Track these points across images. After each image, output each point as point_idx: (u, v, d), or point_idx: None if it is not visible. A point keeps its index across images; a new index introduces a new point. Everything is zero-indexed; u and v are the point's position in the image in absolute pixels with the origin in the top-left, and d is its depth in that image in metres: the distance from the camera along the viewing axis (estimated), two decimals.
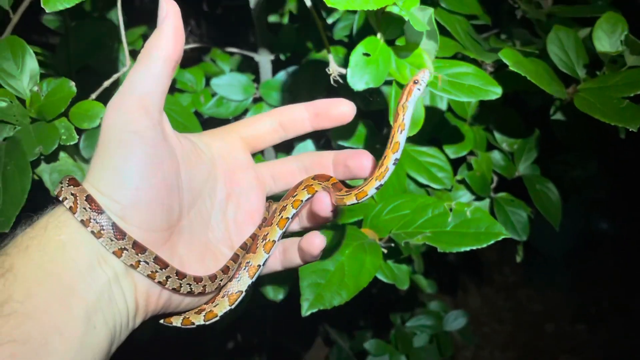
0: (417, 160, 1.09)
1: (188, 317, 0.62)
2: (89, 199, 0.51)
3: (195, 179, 0.59)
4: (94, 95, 0.72)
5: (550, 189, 1.11)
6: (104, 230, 0.50)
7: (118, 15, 0.76)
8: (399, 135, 0.60)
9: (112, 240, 0.51)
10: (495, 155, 1.15)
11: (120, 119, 0.53)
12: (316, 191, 0.62)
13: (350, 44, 1.21)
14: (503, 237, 0.76)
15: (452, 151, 1.09)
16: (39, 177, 0.75)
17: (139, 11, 1.31)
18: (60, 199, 0.52)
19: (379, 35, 0.80)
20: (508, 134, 1.15)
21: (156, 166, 0.53)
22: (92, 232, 0.50)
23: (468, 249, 0.75)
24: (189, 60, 1.34)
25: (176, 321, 0.62)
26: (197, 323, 0.62)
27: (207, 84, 1.27)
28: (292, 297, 1.05)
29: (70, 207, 0.51)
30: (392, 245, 0.85)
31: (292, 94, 1.20)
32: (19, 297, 0.45)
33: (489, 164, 1.11)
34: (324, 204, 0.60)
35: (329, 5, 0.66)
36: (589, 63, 0.97)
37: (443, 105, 1.12)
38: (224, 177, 0.63)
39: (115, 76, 0.72)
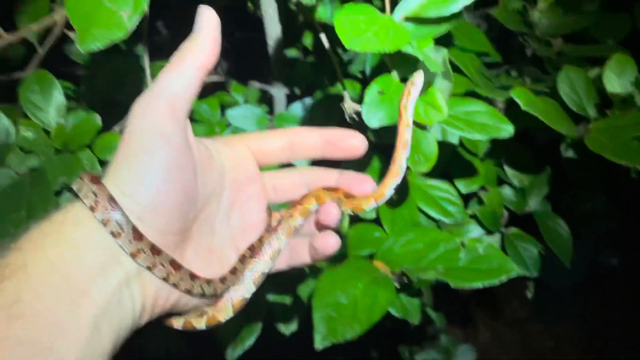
0: (428, 193, 1.10)
1: (190, 321, 0.62)
2: (111, 199, 0.50)
3: (206, 185, 0.59)
4: (117, 128, 0.74)
5: (561, 225, 1.11)
6: (123, 231, 0.50)
7: (142, 50, 0.79)
8: (407, 134, 0.64)
9: (130, 242, 0.50)
10: (506, 190, 1.16)
11: (148, 120, 0.53)
12: (325, 201, 0.63)
13: (363, 79, 1.24)
14: (515, 274, 0.77)
15: (463, 185, 1.10)
16: None
17: (161, 45, 1.35)
18: (81, 196, 0.51)
19: (393, 73, 0.82)
20: (519, 170, 1.16)
21: (179, 171, 0.54)
22: (112, 232, 0.50)
23: (480, 285, 0.76)
24: (202, 90, 1.37)
25: (177, 324, 0.62)
26: (198, 327, 0.62)
27: (222, 114, 1.30)
28: (302, 327, 1.05)
29: (91, 206, 0.50)
30: (405, 279, 0.86)
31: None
32: (29, 297, 0.44)
33: (499, 199, 1.12)
34: (331, 215, 0.61)
35: (347, 47, 0.68)
36: (600, 102, 0.99)
37: (455, 140, 1.13)
38: (230, 185, 0.63)
39: None
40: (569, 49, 1.22)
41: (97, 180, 0.51)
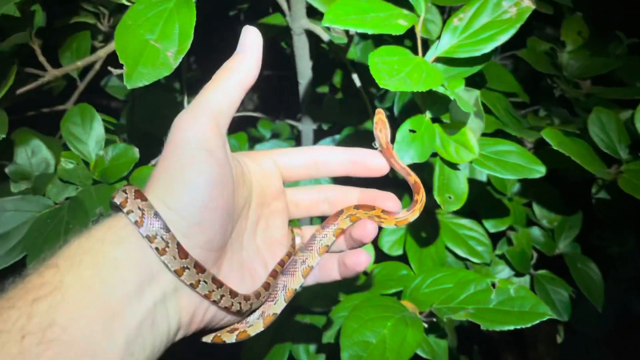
0: (455, 232, 1.10)
1: (219, 336, 0.61)
2: (157, 214, 0.49)
3: (239, 201, 0.59)
4: (153, 162, 0.76)
5: (592, 268, 1.09)
6: (168, 247, 0.49)
7: (179, 85, 0.82)
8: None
9: (175, 259, 0.49)
10: (535, 231, 1.15)
11: (193, 134, 0.52)
12: (359, 219, 0.63)
13: (391, 116, 1.25)
14: (548, 317, 0.75)
15: (491, 225, 1.10)
16: None
17: (193, 80, 1.39)
18: (125, 211, 0.50)
19: (426, 113, 0.83)
20: (548, 210, 1.15)
21: (223, 186, 0.53)
22: (157, 248, 0.49)
23: (512, 327, 0.74)
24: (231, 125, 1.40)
25: (206, 339, 0.61)
26: (228, 341, 0.61)
27: (250, 147, 1.32)
28: None
29: (136, 222, 0.49)
30: (434, 319, 0.84)
31: None
32: (63, 321, 0.43)
33: (528, 240, 1.10)
34: (367, 231, 0.61)
35: (380, 86, 0.69)
36: (631, 144, 0.98)
37: (483, 178, 1.13)
38: (257, 200, 0.64)
39: None
40: (598, 90, 1.22)
41: (142, 195, 0.50)
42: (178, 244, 0.50)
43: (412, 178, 0.67)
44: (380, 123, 0.70)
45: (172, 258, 0.49)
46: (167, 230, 0.49)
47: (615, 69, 1.25)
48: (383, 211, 0.63)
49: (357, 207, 0.64)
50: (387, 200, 0.64)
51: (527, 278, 1.10)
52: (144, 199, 0.50)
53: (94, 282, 0.46)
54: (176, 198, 0.51)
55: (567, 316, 1.05)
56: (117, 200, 0.51)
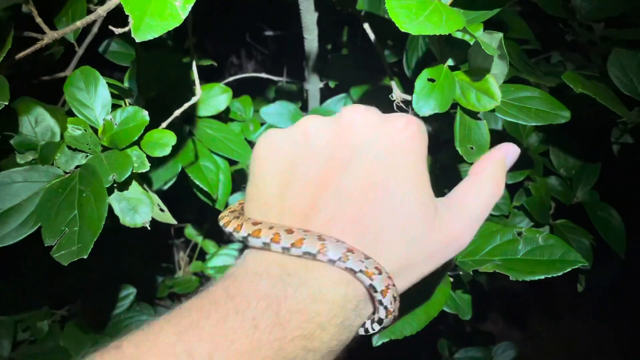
0: None
1: None
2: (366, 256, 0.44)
3: None
4: (164, 124, 0.73)
5: (613, 215, 1.07)
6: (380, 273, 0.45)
7: (189, 45, 0.78)
8: None
9: (382, 281, 0.45)
10: (552, 180, 1.12)
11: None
12: None
13: (399, 73, 1.21)
14: (580, 265, 0.73)
15: (509, 176, 1.07)
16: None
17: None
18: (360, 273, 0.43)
19: (448, 61, 0.80)
20: (565, 159, 1.12)
21: None
22: (371, 285, 0.45)
23: (542, 277, 0.73)
24: (235, 89, 1.35)
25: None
26: None
27: (255, 111, 1.28)
28: None
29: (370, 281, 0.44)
30: (460, 273, 0.83)
31: None
32: None
33: (547, 190, 1.08)
34: None
35: (402, 30, 0.66)
36: None
37: (498, 126, 1.10)
38: None
39: (185, 105, 0.72)
40: (614, 33, 1.18)
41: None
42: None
43: None
44: None
45: (380, 281, 0.45)
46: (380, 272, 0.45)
47: (626, 11, 1.20)
48: None
49: None
50: None
51: (546, 228, 1.08)
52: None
53: None
54: None
55: (589, 264, 1.04)
56: (353, 265, 0.44)
